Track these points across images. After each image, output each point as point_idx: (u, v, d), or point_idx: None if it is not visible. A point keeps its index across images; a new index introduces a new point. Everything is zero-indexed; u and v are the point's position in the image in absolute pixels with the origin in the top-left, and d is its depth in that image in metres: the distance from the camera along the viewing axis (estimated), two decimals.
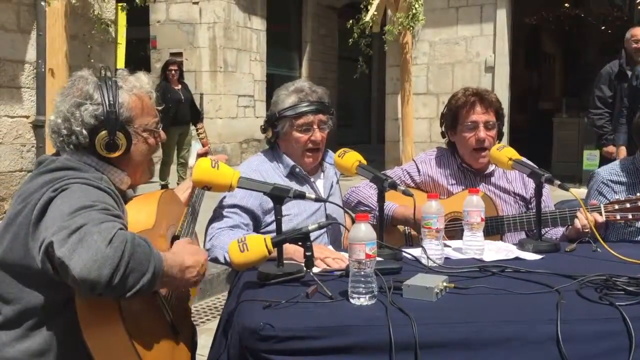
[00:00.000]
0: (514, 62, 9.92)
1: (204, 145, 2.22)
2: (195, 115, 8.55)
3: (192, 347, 1.86)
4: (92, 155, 1.67)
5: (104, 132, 1.65)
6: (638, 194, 2.35)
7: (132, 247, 1.37)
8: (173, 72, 8.24)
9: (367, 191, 2.58)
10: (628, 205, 2.31)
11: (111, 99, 1.66)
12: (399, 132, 9.37)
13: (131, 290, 1.38)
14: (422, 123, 9.69)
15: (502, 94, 9.34)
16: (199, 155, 2.16)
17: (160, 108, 1.82)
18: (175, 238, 1.81)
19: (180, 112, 8.14)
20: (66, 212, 1.40)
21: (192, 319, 4.19)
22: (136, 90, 1.73)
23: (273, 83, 11.55)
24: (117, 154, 1.68)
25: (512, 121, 9.78)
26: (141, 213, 1.66)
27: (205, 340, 3.55)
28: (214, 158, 1.98)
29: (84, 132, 1.64)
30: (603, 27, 14.54)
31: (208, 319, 4.24)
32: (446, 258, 2.06)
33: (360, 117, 16.61)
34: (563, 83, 15.99)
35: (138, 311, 1.49)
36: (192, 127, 8.48)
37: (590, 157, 8.85)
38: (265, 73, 12.12)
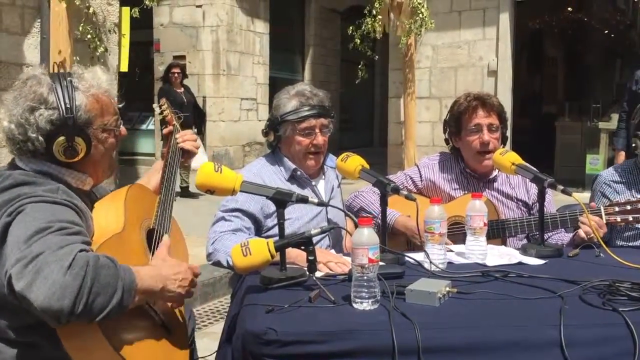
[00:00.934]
0: (516, 66, 9.93)
1: (169, 124, 2.06)
2: (198, 118, 8.56)
3: (190, 345, 1.84)
4: (49, 161, 1.59)
5: (61, 138, 1.56)
6: (638, 197, 2.35)
7: (94, 271, 1.32)
8: (176, 74, 8.25)
9: (370, 197, 2.58)
10: (628, 207, 2.31)
11: (67, 102, 1.56)
12: (402, 135, 9.38)
13: (101, 313, 1.33)
14: (425, 127, 9.69)
15: (505, 98, 9.33)
16: (164, 136, 2.06)
17: (120, 106, 1.73)
18: (151, 232, 1.74)
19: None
20: (22, 240, 1.35)
21: (195, 322, 4.19)
22: (93, 90, 1.63)
23: (276, 86, 11.55)
24: (76, 159, 1.60)
25: (515, 125, 9.78)
26: (109, 215, 1.60)
27: (207, 344, 3.57)
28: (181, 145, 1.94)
29: (40, 138, 1.55)
30: (606, 31, 14.53)
31: (210, 322, 4.24)
32: (449, 263, 2.06)
33: (362, 121, 16.61)
34: (566, 87, 15.96)
35: (120, 320, 1.44)
36: (194, 130, 8.49)
37: (593, 161, 8.85)
38: (268, 76, 12.13)
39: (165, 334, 1.63)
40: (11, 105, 1.57)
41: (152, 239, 1.74)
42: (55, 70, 5.38)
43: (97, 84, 1.64)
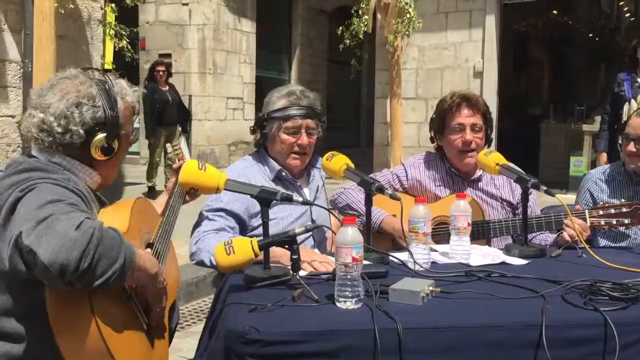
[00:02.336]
0: (502, 68, 9.98)
1: (179, 160, 2.22)
2: (183, 117, 8.52)
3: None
4: (67, 154, 1.67)
5: (102, 135, 1.67)
6: (622, 200, 2.37)
7: (100, 233, 1.36)
8: (161, 72, 8.21)
9: (355, 195, 2.57)
10: (612, 211, 2.33)
11: (111, 103, 1.68)
12: (388, 136, 9.40)
13: (101, 277, 1.35)
14: (411, 127, 9.72)
15: (491, 100, 9.38)
16: (175, 171, 2.14)
17: (137, 118, 1.86)
18: (149, 246, 1.79)
19: (167, 113, 8.10)
20: (34, 207, 1.39)
21: (179, 322, 4.17)
22: (128, 98, 1.77)
23: (262, 86, 11.54)
24: (107, 158, 1.70)
25: (500, 127, 9.84)
26: (114, 219, 1.64)
27: (190, 343, 3.55)
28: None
29: (81, 131, 1.64)
30: (591, 35, 14.67)
31: (194, 322, 4.21)
32: (433, 262, 2.06)
33: (349, 121, 16.63)
34: (551, 89, 16.10)
35: (111, 313, 1.46)
36: (179, 128, 8.45)
37: (576, 163, 8.93)
38: (255, 76, 12.10)
39: (148, 338, 1.63)
40: (50, 99, 1.65)
41: None
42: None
43: (128, 93, 1.77)
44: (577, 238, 2.19)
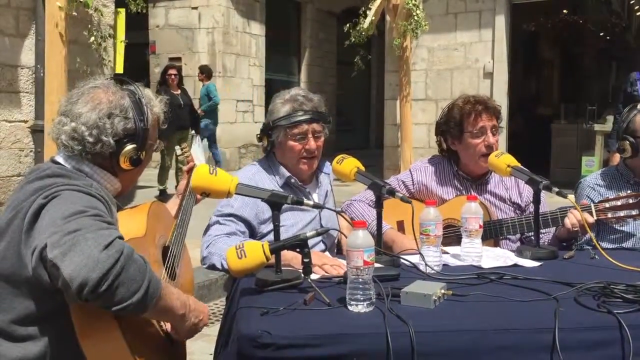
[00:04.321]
0: (512, 68, 9.95)
1: (187, 163, 2.23)
2: (195, 120, 8.56)
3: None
4: (94, 163, 1.69)
5: (131, 146, 1.70)
6: (629, 192, 2.36)
7: (126, 260, 1.36)
8: (172, 77, 8.25)
9: (362, 207, 2.58)
10: (619, 203, 2.31)
11: (143, 114, 1.71)
12: (398, 137, 9.38)
13: (120, 304, 1.36)
14: (421, 129, 9.69)
15: (501, 100, 9.35)
16: (185, 172, 2.16)
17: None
18: (166, 249, 1.81)
19: (179, 117, 8.14)
20: (59, 218, 1.41)
21: None
22: (155, 109, 1.80)
23: (272, 88, 11.56)
24: (135, 169, 1.73)
25: (511, 127, 9.80)
26: (132, 223, 1.66)
27: (202, 346, 3.55)
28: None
29: (112, 142, 1.67)
30: (602, 34, 14.58)
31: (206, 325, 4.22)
32: (444, 265, 2.06)
33: (359, 122, 16.63)
34: (562, 89, 16.01)
35: (135, 319, 1.49)
36: (192, 132, 8.48)
37: (588, 163, 8.86)
38: (264, 78, 12.14)
39: (168, 345, 1.65)
40: (82, 109, 1.67)
41: (165, 255, 1.80)
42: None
43: (156, 105, 1.81)
44: (577, 229, 2.18)
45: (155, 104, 1.81)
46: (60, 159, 1.70)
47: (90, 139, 1.65)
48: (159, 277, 1.47)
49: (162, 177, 8.33)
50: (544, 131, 11.04)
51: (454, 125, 2.60)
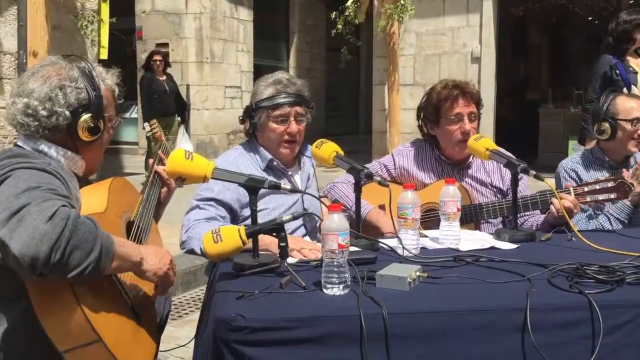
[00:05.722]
0: (501, 53, 9.94)
1: (158, 140, 2.23)
2: (181, 107, 8.51)
3: (158, 333, 1.86)
4: (52, 141, 1.70)
5: (88, 115, 1.69)
6: (607, 175, 2.38)
7: (74, 225, 1.37)
8: (158, 62, 8.18)
9: (344, 189, 2.58)
10: (597, 187, 2.34)
11: (94, 84, 1.72)
12: (386, 123, 9.38)
13: (76, 268, 1.37)
14: (409, 114, 9.64)
15: (488, 85, 9.35)
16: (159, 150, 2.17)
17: (120, 102, 1.88)
18: (130, 224, 1.81)
19: (164, 103, 8.09)
20: (11, 195, 1.41)
21: (176, 310, 4.19)
22: (108, 81, 1.81)
23: (260, 74, 11.33)
24: (93, 138, 1.72)
25: (499, 112, 9.82)
26: (92, 199, 1.66)
27: (188, 332, 3.57)
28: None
29: (67, 113, 1.67)
30: (590, 18, 14.57)
31: (192, 310, 4.24)
32: (422, 248, 2.07)
33: (348, 108, 16.60)
34: (550, 73, 16.02)
35: (93, 291, 1.48)
36: (178, 118, 8.44)
37: (576, 147, 8.90)
38: (253, 64, 12.07)
39: (135, 319, 1.64)
40: (32, 85, 1.67)
41: (129, 231, 1.79)
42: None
43: (107, 77, 1.81)
44: (562, 212, 2.20)
45: (107, 77, 1.81)
46: (20, 142, 1.71)
47: (44, 113, 1.66)
48: (109, 233, 1.47)
49: (148, 164, 8.29)
50: (532, 116, 11.06)
51: (431, 110, 2.61)
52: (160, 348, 1.85)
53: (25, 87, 1.69)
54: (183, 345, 1.99)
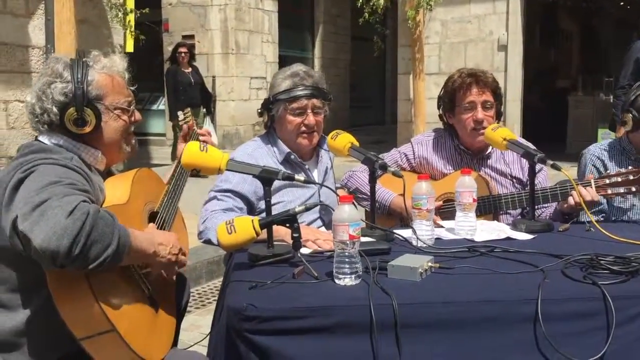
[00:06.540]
0: (529, 40, 9.78)
1: (189, 129, 2.23)
2: (206, 99, 8.58)
3: (178, 321, 1.89)
4: (65, 135, 1.73)
5: (72, 108, 1.69)
6: (630, 168, 2.33)
7: (93, 219, 1.41)
8: (183, 54, 8.27)
9: (363, 177, 2.59)
10: (619, 179, 2.29)
11: (79, 76, 1.71)
12: (411, 112, 9.31)
13: (95, 260, 1.41)
14: (435, 103, 9.56)
15: (516, 73, 9.23)
16: (182, 138, 2.19)
17: (133, 88, 1.87)
18: (154, 214, 1.83)
19: (189, 95, 8.18)
20: (33, 189, 1.45)
21: (200, 299, 4.23)
22: (106, 69, 1.78)
23: (285, 64, 11.35)
24: (86, 130, 1.72)
25: (526, 100, 9.67)
26: (115, 190, 1.70)
27: (210, 321, 3.61)
28: (203, 140, 2.00)
29: (54, 109, 1.69)
30: (622, 3, 14.23)
31: (215, 299, 4.29)
32: (437, 239, 2.06)
33: (374, 98, 16.52)
34: (580, 61, 15.71)
35: (110, 281, 1.53)
36: (203, 110, 8.52)
37: (604, 136, 8.74)
38: (278, 54, 12.09)
39: (153, 307, 1.68)
40: (34, 84, 1.75)
41: (153, 221, 1.81)
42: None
43: (111, 65, 1.79)
44: (582, 206, 2.16)
45: (105, 64, 1.77)
46: (41, 137, 1.75)
47: (39, 110, 1.71)
48: (124, 226, 1.50)
49: (175, 155, 8.39)
50: (561, 104, 10.88)
51: (448, 99, 2.59)
52: (184, 337, 1.88)
53: (32, 86, 1.76)
54: (206, 336, 2.03)
